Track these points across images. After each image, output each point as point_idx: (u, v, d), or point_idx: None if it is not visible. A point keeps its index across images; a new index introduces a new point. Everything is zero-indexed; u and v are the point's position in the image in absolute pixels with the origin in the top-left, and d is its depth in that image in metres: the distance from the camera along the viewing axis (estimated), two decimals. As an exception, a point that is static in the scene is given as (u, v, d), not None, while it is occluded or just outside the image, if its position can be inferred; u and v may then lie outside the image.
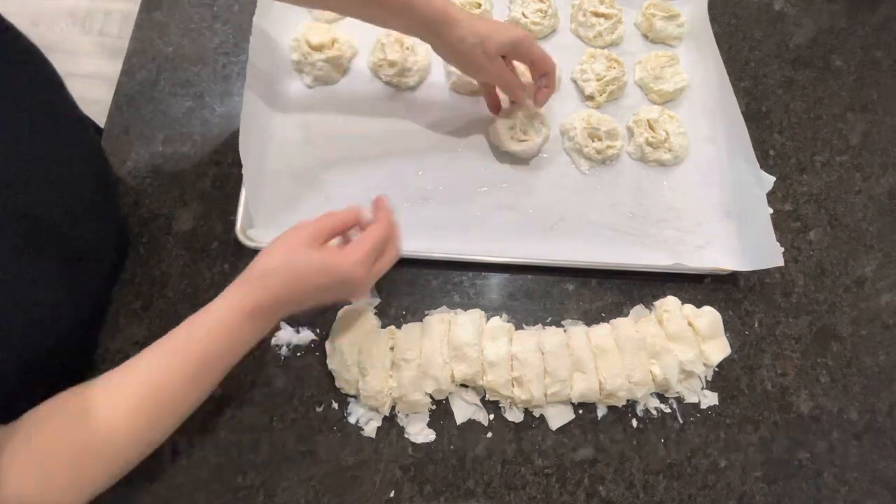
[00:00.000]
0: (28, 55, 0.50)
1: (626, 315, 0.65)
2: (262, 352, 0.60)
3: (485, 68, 0.62)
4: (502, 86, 0.67)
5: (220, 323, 0.47)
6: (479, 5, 0.76)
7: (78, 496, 0.43)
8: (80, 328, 0.56)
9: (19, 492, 0.40)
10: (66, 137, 0.54)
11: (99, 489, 0.44)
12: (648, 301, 0.66)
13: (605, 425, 0.60)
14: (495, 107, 0.71)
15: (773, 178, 0.68)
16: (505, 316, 0.63)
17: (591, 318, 0.64)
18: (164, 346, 0.47)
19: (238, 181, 0.64)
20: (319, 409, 0.58)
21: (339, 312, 0.60)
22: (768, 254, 0.64)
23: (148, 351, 0.46)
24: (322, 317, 0.61)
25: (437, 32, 0.59)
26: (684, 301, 0.64)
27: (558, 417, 0.60)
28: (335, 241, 0.53)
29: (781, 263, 0.63)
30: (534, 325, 0.63)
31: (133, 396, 0.45)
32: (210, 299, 0.60)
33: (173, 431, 0.47)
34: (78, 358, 0.57)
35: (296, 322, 0.61)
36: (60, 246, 0.48)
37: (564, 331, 0.62)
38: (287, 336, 0.60)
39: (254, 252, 0.62)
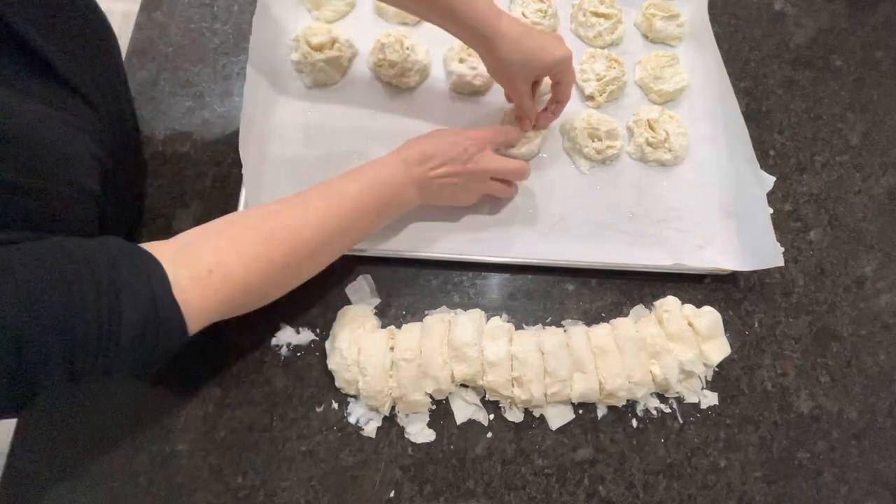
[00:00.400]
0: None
1: (626, 315, 0.65)
2: (262, 352, 0.60)
3: (516, 88, 0.64)
4: (519, 108, 0.68)
5: (381, 162, 0.58)
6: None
7: (268, 270, 0.49)
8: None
9: (220, 259, 0.46)
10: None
11: (281, 280, 0.52)
12: (648, 301, 0.66)
13: (605, 425, 0.60)
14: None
15: (773, 178, 0.68)
16: (505, 316, 0.63)
17: (591, 318, 0.64)
18: (333, 179, 0.56)
19: (238, 181, 0.64)
20: (319, 409, 0.58)
21: (339, 312, 0.60)
22: (768, 254, 0.64)
23: (322, 183, 0.55)
24: (322, 317, 0.62)
25: (483, 44, 0.59)
26: (684, 301, 0.64)
27: (558, 417, 0.60)
28: None
29: (781, 263, 0.63)
30: (534, 325, 0.63)
31: (316, 202, 0.53)
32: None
33: (332, 259, 0.57)
34: None
35: (296, 322, 0.61)
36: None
37: (564, 331, 0.62)
38: (287, 336, 0.60)
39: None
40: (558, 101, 0.67)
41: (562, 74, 0.63)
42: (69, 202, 0.45)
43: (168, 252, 0.44)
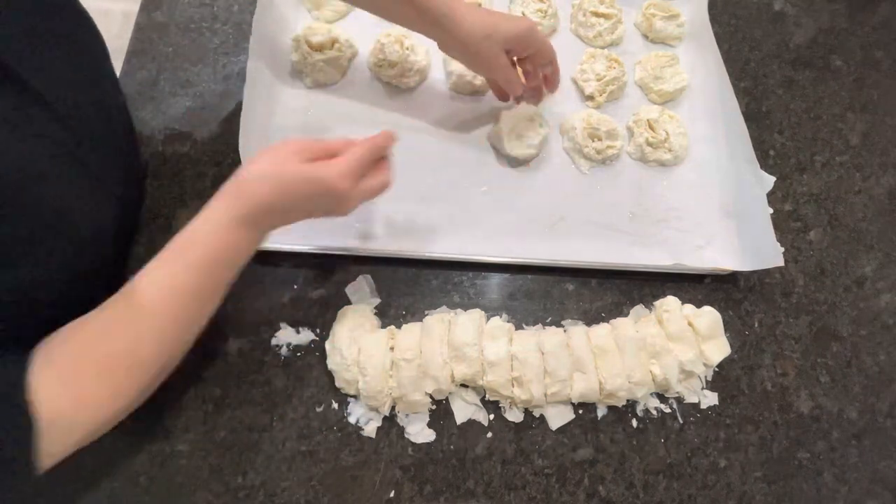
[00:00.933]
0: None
1: (626, 315, 0.65)
2: (262, 352, 0.60)
3: (491, 62, 0.62)
4: (505, 82, 0.66)
5: (215, 229, 0.48)
6: (480, 5, 0.76)
7: (111, 408, 0.45)
8: (115, 242, 0.59)
9: (57, 410, 0.41)
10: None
11: (132, 401, 0.46)
12: (648, 301, 0.66)
13: (605, 425, 0.60)
14: (503, 96, 0.71)
15: (773, 178, 0.68)
16: (505, 316, 0.63)
17: (591, 318, 0.64)
18: (163, 257, 0.47)
19: (238, 181, 0.64)
20: (319, 409, 0.58)
21: (339, 312, 0.60)
22: (768, 254, 0.64)
23: (149, 266, 0.47)
24: (322, 317, 0.62)
25: (444, 27, 0.59)
26: (684, 301, 0.64)
27: (558, 417, 0.60)
28: None
29: (782, 263, 0.63)
30: (534, 325, 0.63)
31: (146, 306, 0.46)
32: (210, 299, 0.60)
33: (190, 344, 0.50)
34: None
35: (296, 322, 0.61)
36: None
37: (564, 331, 0.62)
38: (287, 336, 0.60)
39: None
40: (548, 61, 0.66)
41: (534, 42, 0.63)
42: (42, 229, 0.45)
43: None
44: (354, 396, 0.58)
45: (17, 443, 0.39)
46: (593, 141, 0.71)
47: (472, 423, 0.59)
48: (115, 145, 0.59)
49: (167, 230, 0.63)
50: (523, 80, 0.68)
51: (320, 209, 0.52)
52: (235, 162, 0.62)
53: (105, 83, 0.61)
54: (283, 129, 0.69)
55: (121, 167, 0.60)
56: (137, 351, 0.46)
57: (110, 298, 0.47)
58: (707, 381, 0.63)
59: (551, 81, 0.70)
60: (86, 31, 0.57)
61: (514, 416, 0.59)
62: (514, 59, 0.65)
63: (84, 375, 0.43)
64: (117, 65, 0.73)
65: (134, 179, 0.65)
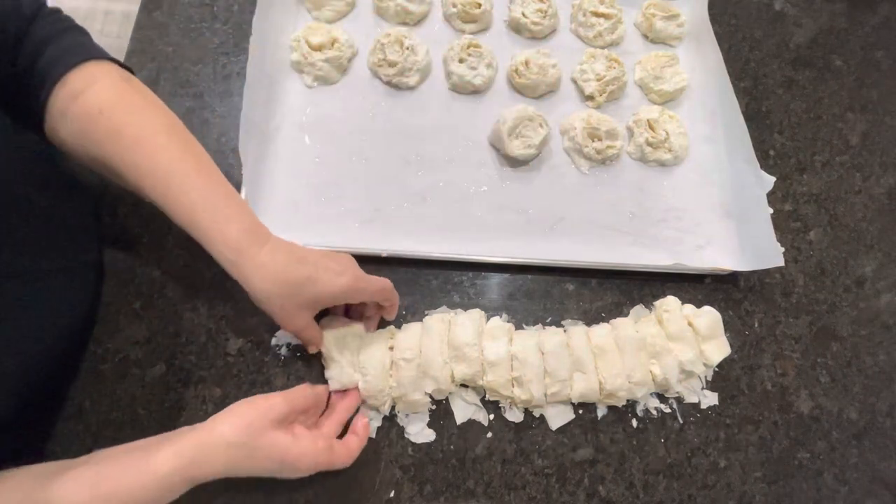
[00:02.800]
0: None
1: (626, 315, 0.65)
2: (262, 352, 0.60)
3: (285, 322, 0.52)
4: (303, 340, 0.56)
5: (157, 482, 0.43)
6: (479, 5, 0.76)
7: None
8: (74, 339, 0.56)
9: None
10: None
11: None
12: (648, 301, 0.66)
13: (605, 425, 0.60)
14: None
15: (773, 178, 0.68)
16: (505, 316, 0.63)
17: (591, 318, 0.64)
18: (89, 477, 0.42)
19: (238, 181, 0.64)
20: (319, 409, 0.58)
21: (323, 321, 0.58)
22: (768, 254, 0.64)
23: (80, 473, 0.42)
24: (322, 317, 0.61)
25: (234, 275, 0.49)
26: (684, 301, 0.64)
27: (558, 417, 0.60)
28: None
29: (782, 263, 0.63)
30: (534, 325, 0.63)
31: None
32: (210, 299, 0.60)
33: None
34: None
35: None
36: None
37: (564, 331, 0.62)
38: (287, 336, 0.60)
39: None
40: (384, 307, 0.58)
41: (355, 299, 0.54)
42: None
43: None
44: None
45: None
46: (593, 141, 0.71)
47: (472, 423, 0.59)
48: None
49: (167, 230, 0.63)
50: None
51: (270, 474, 0.49)
52: (235, 162, 0.62)
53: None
54: (282, 128, 0.69)
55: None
56: None
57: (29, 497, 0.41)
58: (707, 381, 0.63)
59: (389, 312, 0.59)
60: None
61: (514, 416, 0.59)
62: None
63: None
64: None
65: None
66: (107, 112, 0.47)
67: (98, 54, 0.50)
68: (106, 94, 0.48)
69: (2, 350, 0.43)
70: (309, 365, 0.60)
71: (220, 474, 0.45)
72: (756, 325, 0.67)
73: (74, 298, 0.55)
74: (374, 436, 0.57)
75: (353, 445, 0.53)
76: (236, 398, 0.57)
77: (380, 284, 0.55)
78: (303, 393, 0.51)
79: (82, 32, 0.51)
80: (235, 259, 0.48)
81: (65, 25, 0.50)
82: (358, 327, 0.58)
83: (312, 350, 0.57)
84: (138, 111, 0.49)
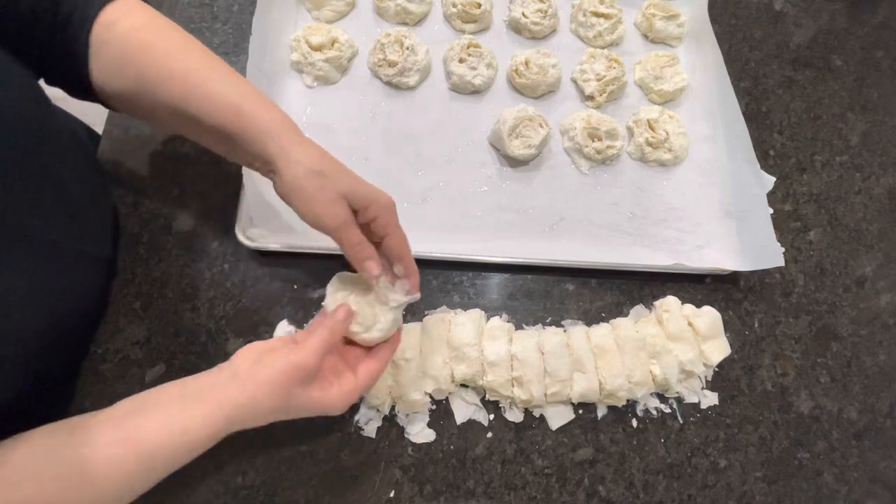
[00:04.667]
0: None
1: (626, 315, 0.65)
2: (262, 352, 0.60)
3: (328, 213, 0.49)
4: (348, 244, 0.50)
5: (194, 442, 0.45)
6: (479, 5, 0.76)
7: None
8: (79, 331, 0.57)
9: None
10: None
11: None
12: (648, 301, 0.66)
13: (605, 425, 0.60)
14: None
15: (773, 178, 0.68)
16: (505, 316, 0.63)
17: (591, 318, 0.64)
18: (124, 432, 0.44)
19: (238, 181, 0.64)
20: (319, 409, 0.58)
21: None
22: (768, 254, 0.64)
23: (110, 430, 0.44)
24: (322, 317, 0.62)
25: (274, 157, 0.49)
26: (684, 301, 0.64)
27: (558, 417, 0.60)
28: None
29: (782, 263, 0.63)
30: (534, 325, 0.63)
31: (97, 482, 0.42)
32: (210, 299, 0.60)
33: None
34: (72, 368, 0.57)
35: (296, 322, 0.61)
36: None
37: (564, 331, 0.62)
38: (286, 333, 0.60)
39: (254, 252, 0.62)
40: (397, 255, 0.52)
41: (378, 213, 0.50)
42: None
43: None
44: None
45: None
46: (593, 141, 0.71)
47: (472, 423, 0.59)
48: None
49: (167, 230, 0.63)
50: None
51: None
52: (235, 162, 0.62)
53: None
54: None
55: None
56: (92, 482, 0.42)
57: (59, 451, 0.42)
58: (707, 381, 0.63)
59: (411, 280, 0.53)
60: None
61: (514, 416, 0.59)
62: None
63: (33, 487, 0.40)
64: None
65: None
66: (141, 29, 0.51)
67: None
68: (138, 17, 0.52)
69: (11, 331, 0.43)
70: (309, 365, 0.60)
71: (248, 425, 0.47)
72: (756, 325, 0.67)
73: (86, 285, 0.55)
74: (374, 436, 0.57)
75: (374, 372, 0.51)
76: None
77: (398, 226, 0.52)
78: (328, 341, 0.49)
79: None
80: (277, 142, 0.49)
81: None
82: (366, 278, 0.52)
83: (368, 265, 0.50)
84: (167, 29, 0.53)
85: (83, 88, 0.53)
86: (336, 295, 0.53)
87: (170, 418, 0.44)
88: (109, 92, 0.52)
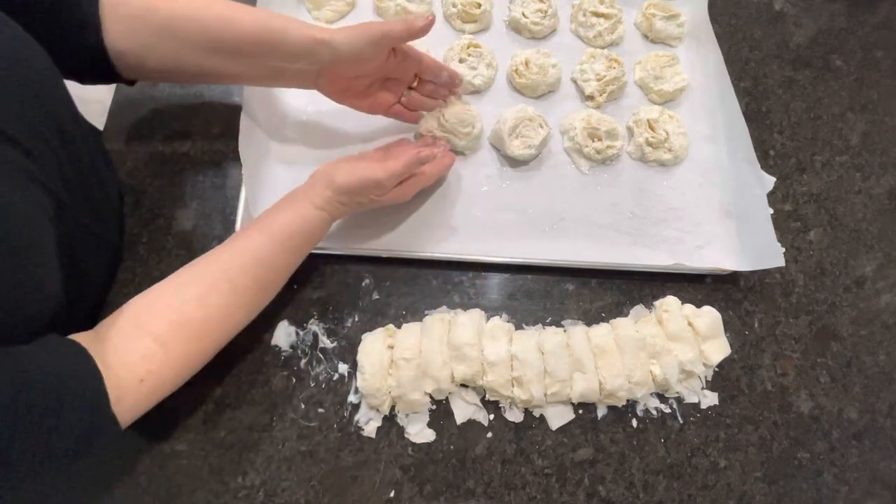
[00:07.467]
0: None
1: (626, 315, 0.65)
2: (261, 352, 0.60)
3: (382, 65, 0.60)
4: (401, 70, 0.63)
5: (293, 207, 0.56)
6: (479, 5, 0.76)
7: (194, 368, 0.50)
8: (78, 319, 0.56)
9: (150, 369, 0.46)
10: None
11: (208, 361, 0.51)
12: (648, 301, 0.66)
13: (605, 425, 0.60)
14: (409, 116, 0.68)
15: (773, 179, 0.68)
16: (505, 316, 0.63)
17: (591, 318, 0.64)
18: (245, 232, 0.54)
19: (238, 181, 0.64)
20: (320, 410, 0.58)
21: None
22: (768, 254, 0.64)
23: (232, 239, 0.54)
24: (322, 317, 0.61)
25: (323, 45, 0.56)
26: (684, 301, 0.64)
27: (558, 417, 0.60)
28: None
29: (782, 263, 0.63)
30: (534, 325, 0.63)
31: (236, 279, 0.51)
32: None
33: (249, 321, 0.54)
34: None
35: (296, 322, 0.61)
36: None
37: (564, 331, 0.62)
38: (287, 336, 0.60)
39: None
40: (438, 66, 0.64)
41: (406, 46, 0.61)
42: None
43: (100, 352, 0.43)
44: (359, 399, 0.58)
45: (94, 398, 0.42)
46: (593, 141, 0.71)
47: (472, 423, 0.59)
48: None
49: (167, 230, 0.63)
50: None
51: (375, 195, 0.58)
52: (235, 162, 0.62)
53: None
54: (282, 128, 0.69)
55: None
56: (230, 318, 0.52)
57: (188, 270, 0.51)
58: (707, 381, 0.63)
59: (452, 82, 0.67)
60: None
61: (514, 416, 0.59)
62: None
63: (180, 338, 0.48)
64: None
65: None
66: None
67: None
68: None
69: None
70: (309, 365, 0.60)
71: (335, 197, 0.57)
72: (756, 325, 0.67)
73: (89, 264, 0.55)
74: (373, 436, 0.57)
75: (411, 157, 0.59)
76: (236, 398, 0.57)
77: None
78: (402, 168, 0.58)
79: None
80: (319, 32, 0.55)
81: None
82: None
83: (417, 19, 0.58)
84: None
85: (93, 62, 0.52)
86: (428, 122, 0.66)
87: (290, 212, 0.55)
88: (126, 51, 0.53)
